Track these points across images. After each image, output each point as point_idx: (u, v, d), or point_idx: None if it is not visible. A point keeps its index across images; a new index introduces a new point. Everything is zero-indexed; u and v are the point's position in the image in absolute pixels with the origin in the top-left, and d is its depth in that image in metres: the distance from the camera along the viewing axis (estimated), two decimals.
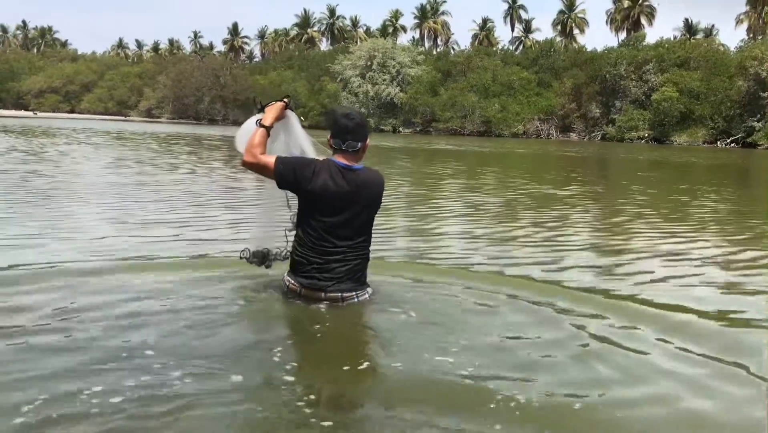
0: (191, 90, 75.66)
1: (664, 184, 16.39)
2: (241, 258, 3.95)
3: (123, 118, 76.61)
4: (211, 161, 18.15)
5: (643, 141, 55.97)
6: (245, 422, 2.47)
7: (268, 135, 3.72)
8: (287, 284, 3.67)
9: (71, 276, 4.38)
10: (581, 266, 5.54)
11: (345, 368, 2.97)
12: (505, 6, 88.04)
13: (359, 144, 3.61)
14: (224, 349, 3.10)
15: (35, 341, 3.14)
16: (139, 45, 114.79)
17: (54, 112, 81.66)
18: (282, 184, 3.63)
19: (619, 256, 6.29)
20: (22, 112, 76.68)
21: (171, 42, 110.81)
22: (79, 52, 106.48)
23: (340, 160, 3.59)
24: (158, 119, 76.59)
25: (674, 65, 57.12)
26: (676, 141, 55.02)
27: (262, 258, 3.92)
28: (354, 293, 3.63)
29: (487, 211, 9.55)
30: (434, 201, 10.76)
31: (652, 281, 5.16)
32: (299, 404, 2.62)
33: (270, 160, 3.60)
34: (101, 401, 2.53)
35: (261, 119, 3.76)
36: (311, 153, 3.85)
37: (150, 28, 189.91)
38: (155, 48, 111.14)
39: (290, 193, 3.74)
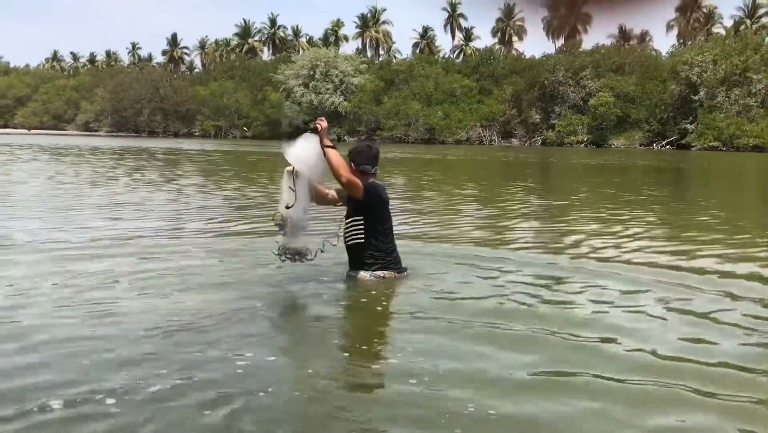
0: (130, 102, 74.13)
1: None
2: (275, 254, 4.75)
3: (58, 132, 74.62)
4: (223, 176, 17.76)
5: (582, 145, 57.29)
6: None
7: None
8: (381, 275, 4.82)
9: None
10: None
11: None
12: (445, 15, 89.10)
13: (377, 168, 4.92)
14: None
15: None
16: (75, 57, 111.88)
17: None
18: (369, 199, 4.77)
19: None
20: None
21: (108, 54, 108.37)
22: (12, 65, 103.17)
23: (376, 180, 4.91)
24: (96, 132, 74.80)
25: (610, 70, 58.72)
26: (613, 144, 56.50)
27: (295, 255, 4.72)
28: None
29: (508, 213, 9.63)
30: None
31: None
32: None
33: (357, 179, 4.71)
34: None
35: (324, 141, 4.59)
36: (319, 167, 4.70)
37: (86, 39, 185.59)
38: (92, 60, 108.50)
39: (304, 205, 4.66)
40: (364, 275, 4.85)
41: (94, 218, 8.51)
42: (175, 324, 3.83)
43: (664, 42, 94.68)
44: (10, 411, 2.67)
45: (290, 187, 4.58)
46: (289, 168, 4.61)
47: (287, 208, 4.57)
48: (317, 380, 3.13)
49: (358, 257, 4.87)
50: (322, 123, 4.62)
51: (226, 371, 3.15)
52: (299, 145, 4.62)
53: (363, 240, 4.82)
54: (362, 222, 4.81)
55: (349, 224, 4.87)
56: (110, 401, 2.79)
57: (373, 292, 4.65)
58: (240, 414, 2.71)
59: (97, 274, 5.07)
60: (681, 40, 74.22)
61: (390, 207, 5.00)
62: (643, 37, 78.73)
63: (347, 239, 4.90)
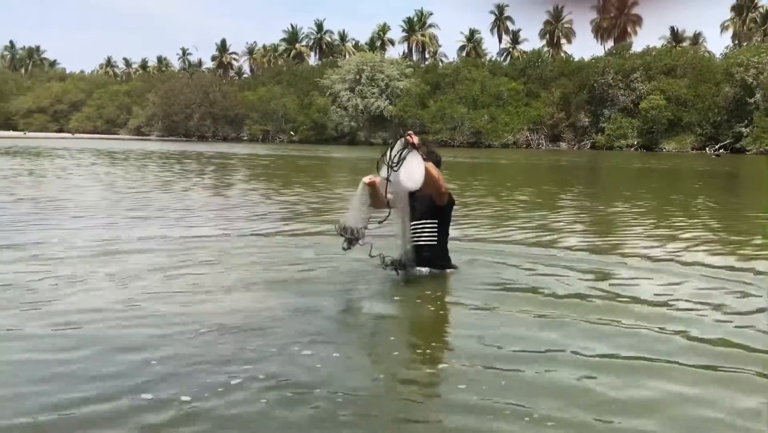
0: (180, 107, 75.53)
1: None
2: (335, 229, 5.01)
3: (111, 136, 76.50)
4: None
5: (632, 149, 56.26)
6: None
7: None
8: (454, 266, 5.28)
9: None
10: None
11: None
12: (492, 18, 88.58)
13: None
14: None
15: None
16: (128, 63, 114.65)
17: (42, 132, 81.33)
18: (448, 205, 5.19)
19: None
20: (11, 133, 76.39)
21: (159, 59, 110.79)
22: (68, 72, 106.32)
23: None
24: (148, 137, 76.42)
25: (661, 73, 57.58)
26: (664, 148, 55.35)
27: (351, 236, 4.90)
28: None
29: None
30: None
31: None
32: None
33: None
34: None
35: (425, 158, 4.83)
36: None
37: (138, 45, 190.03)
38: (143, 66, 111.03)
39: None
40: (438, 271, 5.19)
41: (164, 221, 8.68)
42: (240, 322, 3.99)
43: (718, 43, 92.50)
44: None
45: (363, 203, 4.91)
46: (367, 180, 4.89)
47: (356, 224, 4.90)
48: (384, 377, 3.27)
49: (428, 257, 5.16)
50: (414, 138, 4.79)
51: (291, 368, 3.26)
52: (410, 164, 4.70)
53: (436, 242, 5.18)
54: (436, 225, 5.17)
55: (420, 226, 5.16)
56: (185, 398, 2.89)
57: (434, 287, 4.94)
58: (308, 410, 2.80)
59: (162, 272, 5.29)
60: (736, 42, 72.32)
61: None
62: (696, 38, 77.01)
63: (416, 239, 5.13)
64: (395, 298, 4.78)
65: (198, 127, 75.92)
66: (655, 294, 4.83)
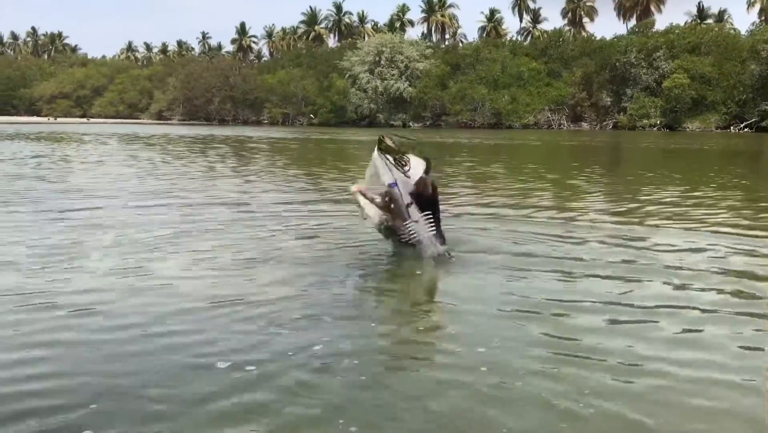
0: (201, 91, 75.84)
1: None
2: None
3: (135, 120, 77.02)
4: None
5: (655, 128, 55.55)
6: None
7: None
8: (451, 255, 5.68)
9: None
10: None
11: None
12: None
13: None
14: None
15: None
16: (148, 48, 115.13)
17: (66, 117, 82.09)
18: (437, 197, 5.74)
19: None
20: (35, 118, 77.20)
21: (179, 44, 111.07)
22: (89, 57, 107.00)
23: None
24: (169, 121, 76.86)
25: (685, 51, 56.63)
26: (688, 128, 54.58)
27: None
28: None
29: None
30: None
31: None
32: None
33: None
34: None
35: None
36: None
37: (158, 30, 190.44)
38: (164, 50, 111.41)
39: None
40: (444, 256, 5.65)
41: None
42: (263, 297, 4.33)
43: (744, 20, 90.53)
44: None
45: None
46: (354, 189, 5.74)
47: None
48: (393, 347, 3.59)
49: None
50: (388, 139, 5.56)
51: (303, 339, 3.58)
52: (415, 163, 5.42)
53: (435, 230, 5.63)
54: (431, 215, 5.59)
55: (425, 218, 5.62)
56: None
57: (446, 270, 5.43)
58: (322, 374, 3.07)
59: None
60: (763, 18, 70.80)
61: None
62: (721, 15, 75.53)
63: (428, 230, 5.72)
64: (404, 279, 5.18)
65: (219, 111, 76.20)
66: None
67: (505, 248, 6.17)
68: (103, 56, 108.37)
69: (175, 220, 7.39)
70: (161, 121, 76.53)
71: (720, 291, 4.73)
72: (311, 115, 70.91)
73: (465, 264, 5.50)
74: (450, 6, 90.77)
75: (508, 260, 5.62)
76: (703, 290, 4.76)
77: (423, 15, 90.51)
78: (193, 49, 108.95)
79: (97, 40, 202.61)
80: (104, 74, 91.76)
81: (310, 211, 8.33)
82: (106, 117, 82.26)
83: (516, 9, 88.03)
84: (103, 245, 5.92)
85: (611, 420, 2.73)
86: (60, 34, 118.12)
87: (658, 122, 56.08)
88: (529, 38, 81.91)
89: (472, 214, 8.26)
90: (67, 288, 4.49)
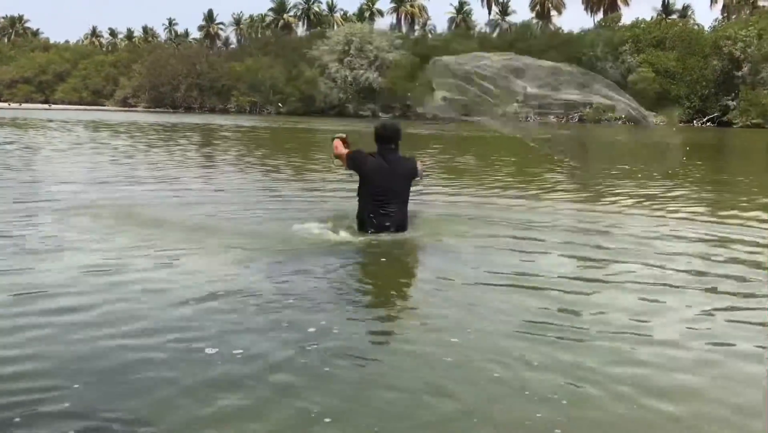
0: (167, 78, 74.73)
1: None
2: None
3: (97, 107, 75.68)
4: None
5: (620, 122, 56.34)
6: None
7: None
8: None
9: None
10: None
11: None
12: None
13: (393, 145, 5.93)
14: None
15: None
16: (113, 33, 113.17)
17: (27, 102, 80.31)
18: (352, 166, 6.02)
19: None
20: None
21: (145, 30, 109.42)
22: (51, 41, 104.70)
23: (383, 153, 5.90)
24: (135, 108, 75.70)
25: (650, 46, 57.48)
26: (652, 121, 55.44)
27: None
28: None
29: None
30: None
31: None
32: None
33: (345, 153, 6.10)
34: None
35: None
36: None
37: (124, 16, 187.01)
38: (129, 36, 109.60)
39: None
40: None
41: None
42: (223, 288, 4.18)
43: (707, 16, 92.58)
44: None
45: None
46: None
47: None
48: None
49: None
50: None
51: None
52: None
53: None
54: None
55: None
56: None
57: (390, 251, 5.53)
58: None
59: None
60: (725, 14, 72.21)
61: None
62: (685, 10, 76.83)
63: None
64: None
65: (185, 99, 75.22)
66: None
67: (475, 232, 6.44)
68: (67, 41, 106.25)
69: (154, 211, 7.28)
70: (126, 108, 75.29)
71: (682, 271, 5.07)
72: (279, 104, 70.43)
73: (435, 249, 5.71)
74: None
75: (478, 243, 5.88)
76: (664, 269, 5.09)
77: (392, 5, 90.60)
78: (159, 36, 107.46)
79: (60, 25, 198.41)
80: (67, 59, 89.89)
81: (288, 200, 8.35)
82: (69, 103, 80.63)
83: (485, 1, 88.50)
84: (79, 237, 5.84)
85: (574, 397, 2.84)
86: (21, 18, 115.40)
87: (623, 116, 56.86)
88: (497, 30, 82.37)
89: (444, 202, 8.39)
90: (42, 281, 4.44)
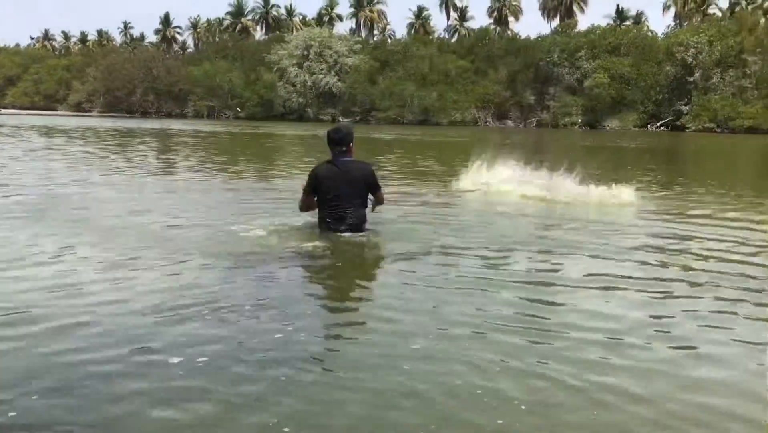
0: (122, 82, 73.44)
1: None
2: None
3: (49, 112, 74.01)
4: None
5: (576, 127, 57.24)
6: None
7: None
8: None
9: None
10: None
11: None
12: None
13: (344, 147, 5.98)
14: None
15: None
16: (66, 37, 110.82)
17: None
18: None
19: None
20: None
21: (100, 33, 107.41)
22: (1, 45, 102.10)
23: (335, 157, 5.99)
24: (89, 113, 74.23)
25: (605, 52, 58.53)
26: (608, 126, 56.48)
27: None
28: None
29: None
30: None
31: None
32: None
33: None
34: None
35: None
36: None
37: (77, 19, 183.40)
38: (83, 40, 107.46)
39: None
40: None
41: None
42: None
43: (661, 23, 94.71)
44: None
45: None
46: None
47: None
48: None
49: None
50: None
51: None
52: None
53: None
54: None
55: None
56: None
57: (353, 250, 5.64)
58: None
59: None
60: (677, 21, 73.99)
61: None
62: (639, 17, 78.48)
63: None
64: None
65: (141, 103, 74.04)
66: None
67: (435, 234, 6.44)
68: (17, 44, 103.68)
69: (111, 219, 7.04)
70: (80, 113, 73.81)
71: (634, 265, 5.24)
72: (238, 109, 69.79)
73: (394, 251, 5.63)
74: (378, 2, 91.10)
75: (438, 246, 5.86)
76: (617, 263, 5.29)
77: (352, 10, 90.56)
78: (114, 39, 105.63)
79: (10, 28, 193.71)
80: (18, 63, 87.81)
81: (248, 206, 8.18)
82: (20, 108, 78.69)
83: (443, 7, 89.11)
84: (31, 247, 5.62)
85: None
86: None
87: (579, 120, 57.82)
88: (456, 36, 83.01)
89: (403, 206, 8.32)
90: None
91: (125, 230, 6.36)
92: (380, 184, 6.18)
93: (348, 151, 6.01)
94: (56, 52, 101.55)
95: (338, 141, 5.98)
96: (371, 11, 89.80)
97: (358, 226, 5.96)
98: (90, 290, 4.26)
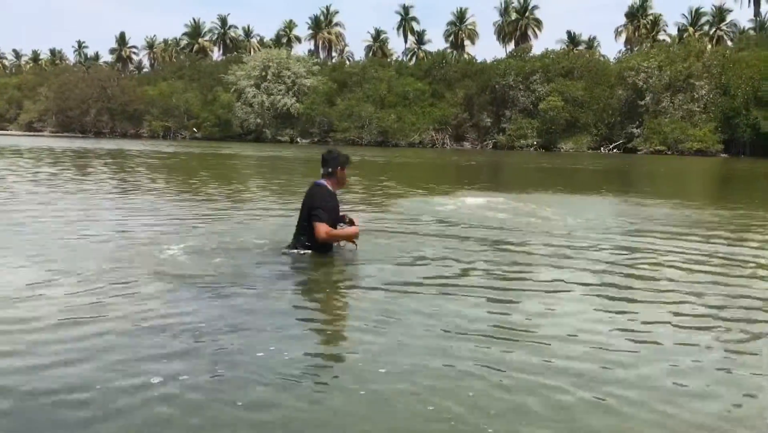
0: (76, 102, 72.23)
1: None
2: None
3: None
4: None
5: (532, 149, 58.14)
6: None
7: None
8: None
9: None
10: None
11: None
12: (398, 18, 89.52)
13: (329, 169, 6.15)
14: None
15: None
16: (17, 55, 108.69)
17: None
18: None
19: None
20: None
21: (53, 52, 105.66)
22: None
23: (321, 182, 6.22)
24: (41, 133, 72.71)
25: (559, 75, 59.73)
26: (562, 148, 57.51)
27: None
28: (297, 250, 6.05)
29: None
30: None
31: None
32: None
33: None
34: None
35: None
36: None
37: (29, 37, 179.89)
38: (35, 58, 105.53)
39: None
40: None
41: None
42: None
43: (612, 48, 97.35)
44: None
45: None
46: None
47: None
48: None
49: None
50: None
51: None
52: None
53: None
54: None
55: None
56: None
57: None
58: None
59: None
60: (628, 47, 76.03)
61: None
62: (591, 42, 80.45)
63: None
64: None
65: (95, 123, 72.91)
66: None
67: (399, 246, 6.69)
68: None
69: (72, 242, 6.86)
70: (31, 133, 72.26)
71: (595, 277, 5.47)
72: (195, 129, 69.15)
73: (360, 264, 5.79)
74: (336, 24, 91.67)
75: (402, 256, 6.10)
76: (581, 273, 5.49)
77: (310, 32, 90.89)
78: (68, 58, 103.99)
79: None
80: None
81: (216, 227, 8.08)
82: None
83: (401, 30, 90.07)
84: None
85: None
86: None
87: (535, 143, 58.77)
88: (414, 59, 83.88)
89: (369, 218, 8.35)
90: None
91: (88, 253, 6.22)
92: (320, 214, 5.84)
93: (329, 174, 6.17)
94: (6, 71, 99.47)
95: (323, 162, 6.23)
96: (329, 33, 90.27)
97: (303, 245, 5.99)
98: (56, 309, 4.15)
